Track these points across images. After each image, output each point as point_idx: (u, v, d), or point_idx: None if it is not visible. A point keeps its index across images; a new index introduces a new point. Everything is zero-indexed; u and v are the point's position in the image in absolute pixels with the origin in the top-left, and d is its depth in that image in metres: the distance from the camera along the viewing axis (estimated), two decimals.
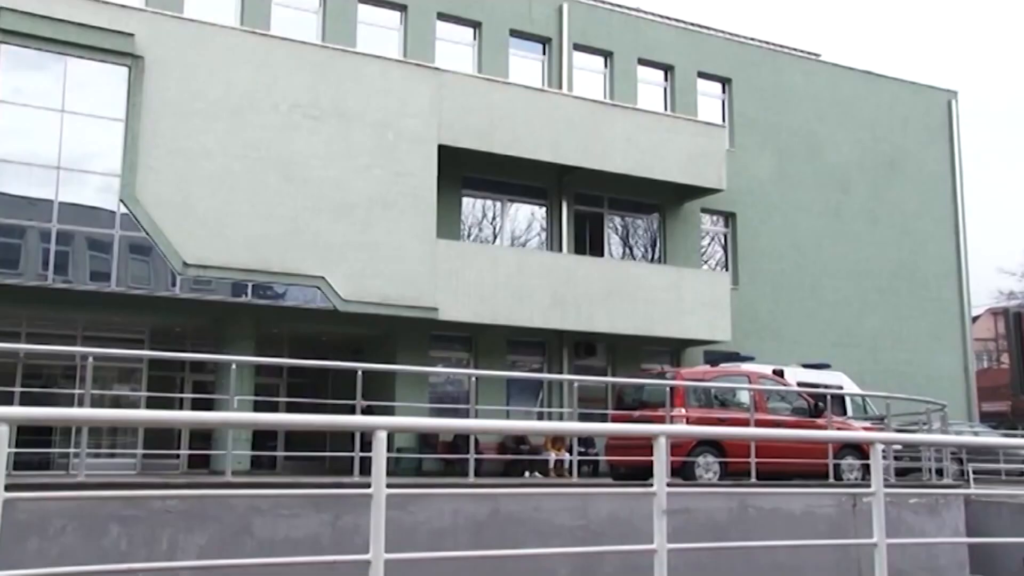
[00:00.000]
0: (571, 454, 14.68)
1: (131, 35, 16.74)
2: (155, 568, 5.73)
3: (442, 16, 22.14)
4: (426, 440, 17.82)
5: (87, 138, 16.49)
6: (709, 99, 25.00)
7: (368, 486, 4.35)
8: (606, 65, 23.89)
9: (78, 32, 16.24)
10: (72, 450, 11.92)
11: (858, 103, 26.78)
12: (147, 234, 16.46)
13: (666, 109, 24.05)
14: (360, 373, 11.16)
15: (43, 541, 6.48)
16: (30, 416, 4.03)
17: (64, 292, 16.18)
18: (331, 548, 8.20)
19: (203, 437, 16.10)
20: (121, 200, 16.40)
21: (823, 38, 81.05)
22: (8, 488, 3.70)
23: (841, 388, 18.12)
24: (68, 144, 16.25)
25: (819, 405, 14.30)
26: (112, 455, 15.45)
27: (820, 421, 13.92)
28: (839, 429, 14.01)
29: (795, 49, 27.43)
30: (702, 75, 24.90)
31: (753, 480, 12.28)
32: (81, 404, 11.48)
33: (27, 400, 13.12)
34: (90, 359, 10.52)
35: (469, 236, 21.58)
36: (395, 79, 19.21)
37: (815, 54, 27.88)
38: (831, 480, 13.04)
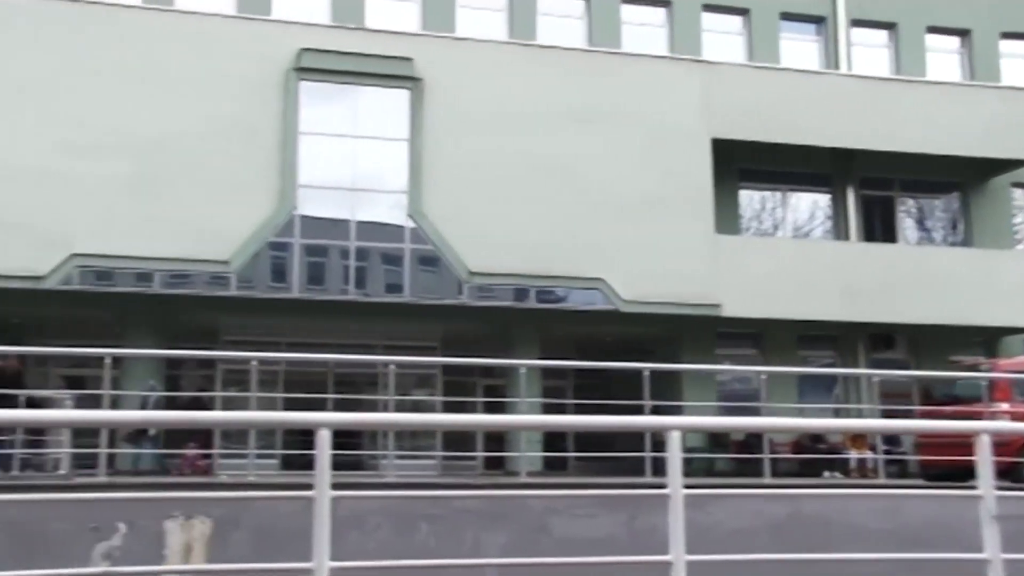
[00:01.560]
0: (875, 453, 13.73)
1: (410, 59, 17.69)
2: (464, 565, 5.88)
3: (708, 7, 21.64)
4: (717, 439, 17.39)
5: (377, 160, 17.62)
6: (1018, 61, 22.52)
7: (662, 486, 4.28)
8: (890, 38, 22.28)
9: (364, 62, 17.40)
10: (380, 452, 12.65)
11: None
12: (434, 246, 17.30)
13: (963, 78, 22.04)
14: (647, 373, 11.04)
15: (362, 536, 6.86)
16: (349, 421, 4.22)
17: (363, 304, 17.36)
18: (628, 548, 8.05)
19: (496, 439, 16.61)
20: (409, 215, 17.37)
21: None
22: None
23: None
24: (360, 167, 17.47)
25: None
26: (414, 456, 16.30)
27: None
28: None
29: None
30: (1007, 35, 22.51)
31: None
32: (385, 409, 12.19)
33: (338, 406, 14.10)
34: (391, 367, 11.12)
35: (748, 230, 20.91)
36: (663, 76, 19.04)
37: None
38: None
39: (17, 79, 16.12)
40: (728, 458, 16.81)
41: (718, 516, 8.56)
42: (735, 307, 18.37)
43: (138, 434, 13.56)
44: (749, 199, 21.07)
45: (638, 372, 11.17)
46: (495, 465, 15.91)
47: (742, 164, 20.11)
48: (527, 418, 12.86)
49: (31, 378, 14.41)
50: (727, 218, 19.75)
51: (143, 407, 14.33)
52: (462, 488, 9.67)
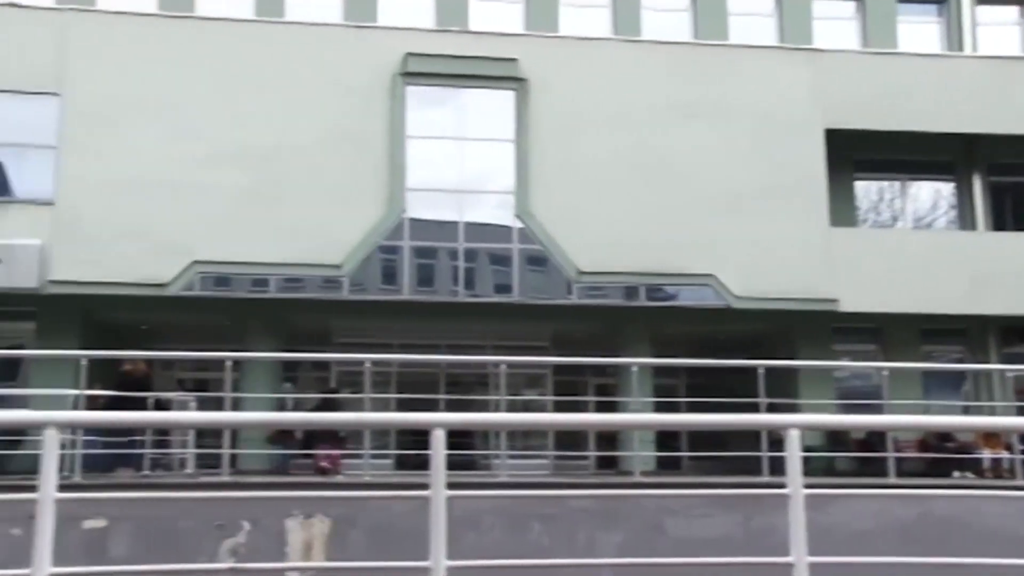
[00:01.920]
0: (1011, 452, 13.06)
1: (514, 60, 17.72)
2: (579, 564, 5.84)
3: None
4: (836, 437, 16.85)
5: (483, 161, 17.71)
6: None
7: (779, 486, 4.20)
8: (1021, 15, 21.19)
9: (469, 64, 17.50)
10: (493, 452, 12.70)
11: None
12: (543, 246, 17.27)
13: None
14: (762, 371, 10.77)
15: (477, 535, 6.88)
16: (464, 421, 4.22)
17: (472, 305, 17.46)
18: (744, 549, 7.85)
19: (609, 439, 16.48)
20: (517, 215, 17.39)
21: None
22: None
23: None
24: (467, 168, 17.58)
25: None
26: (525, 456, 16.32)
27: None
28: None
29: None
30: None
31: None
32: (497, 409, 12.24)
33: (450, 407, 14.21)
34: (502, 367, 11.15)
35: (865, 222, 20.20)
36: (772, 67, 18.56)
37: None
38: None
39: (140, 95, 16.78)
40: (849, 457, 16.27)
41: (840, 517, 8.28)
42: (853, 301, 17.76)
43: (282, 435, 13.84)
44: (866, 190, 20.34)
45: (752, 370, 10.90)
46: (607, 464, 15.79)
47: (858, 154, 19.42)
48: (640, 417, 12.73)
49: (157, 381, 14.99)
50: (842, 210, 19.10)
51: (281, 409, 14.67)
52: (575, 488, 9.61)
